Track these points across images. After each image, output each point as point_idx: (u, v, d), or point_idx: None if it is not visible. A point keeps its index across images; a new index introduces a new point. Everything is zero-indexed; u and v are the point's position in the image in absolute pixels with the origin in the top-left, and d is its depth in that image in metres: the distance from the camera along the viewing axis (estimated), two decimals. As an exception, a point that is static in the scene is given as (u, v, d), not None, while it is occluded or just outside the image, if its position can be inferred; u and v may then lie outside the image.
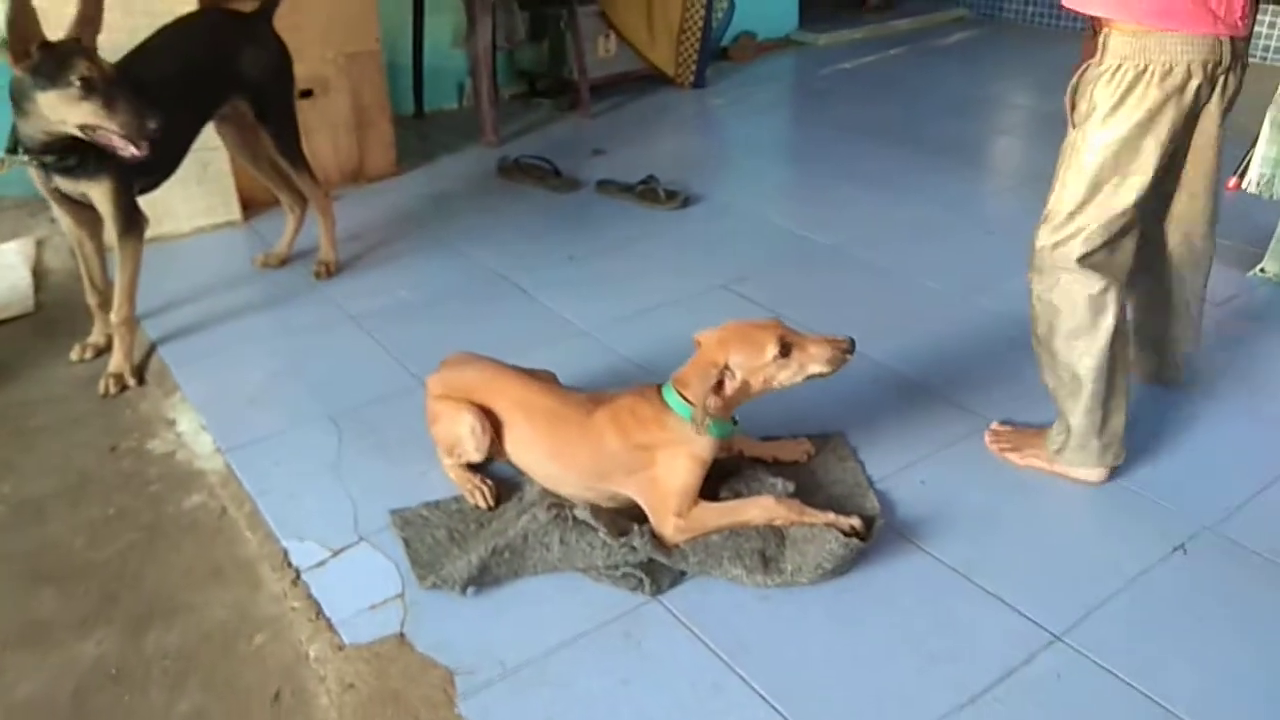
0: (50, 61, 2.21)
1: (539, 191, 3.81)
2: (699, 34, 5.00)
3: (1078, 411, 2.00)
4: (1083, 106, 1.85)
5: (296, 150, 3.04)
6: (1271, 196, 2.87)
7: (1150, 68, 1.75)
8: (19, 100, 2.26)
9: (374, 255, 3.30)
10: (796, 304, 2.80)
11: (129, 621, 1.82)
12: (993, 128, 4.69)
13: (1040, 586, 1.82)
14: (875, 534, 1.89)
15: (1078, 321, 1.93)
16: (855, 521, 1.88)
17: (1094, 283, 1.90)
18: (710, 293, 2.97)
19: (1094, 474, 2.07)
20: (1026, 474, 2.13)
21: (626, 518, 1.92)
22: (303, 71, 3.27)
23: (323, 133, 3.71)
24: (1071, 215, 1.89)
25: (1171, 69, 1.74)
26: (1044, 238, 1.93)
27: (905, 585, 1.83)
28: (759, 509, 1.90)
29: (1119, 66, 1.77)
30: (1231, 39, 1.75)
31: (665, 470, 1.87)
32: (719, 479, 2.01)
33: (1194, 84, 1.76)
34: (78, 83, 2.21)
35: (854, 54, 5.86)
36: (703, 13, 4.95)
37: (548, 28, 4.79)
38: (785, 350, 1.82)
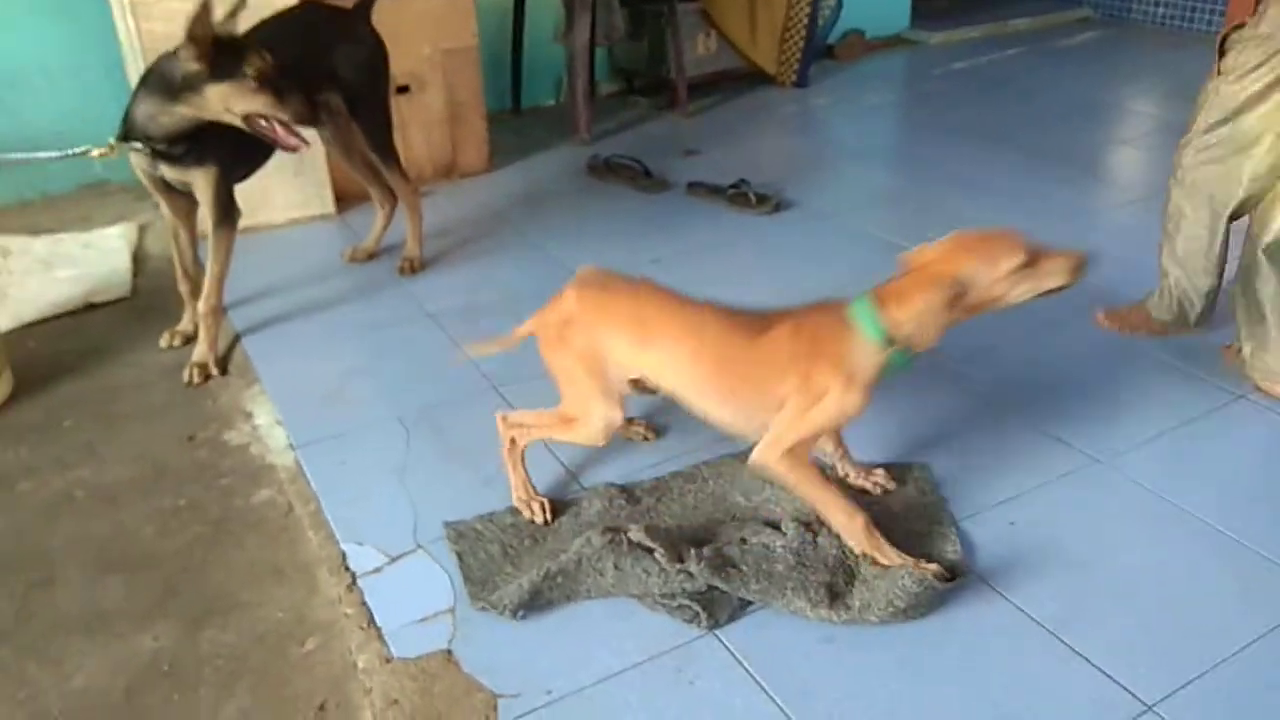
0: (225, 56, 2.32)
1: (628, 191, 3.75)
2: (804, 31, 4.86)
3: None
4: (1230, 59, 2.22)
5: (388, 146, 3.05)
6: None
7: None
8: (180, 91, 2.33)
9: (459, 252, 3.29)
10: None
11: (187, 617, 1.83)
12: (1114, 136, 4.41)
13: (1136, 648, 1.66)
14: (956, 580, 1.76)
15: None
16: (934, 568, 1.75)
17: None
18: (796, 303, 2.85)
19: None
20: (1128, 521, 1.96)
21: (686, 540, 1.83)
22: (399, 67, 3.28)
23: (417, 128, 3.72)
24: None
25: None
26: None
27: (984, 637, 1.69)
28: (845, 514, 1.79)
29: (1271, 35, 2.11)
30: None
31: (813, 403, 1.73)
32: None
33: None
34: (252, 75, 2.33)
35: (969, 54, 5.61)
36: (809, 9, 4.81)
37: (647, 24, 4.71)
38: (1031, 261, 1.66)
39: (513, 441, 2.01)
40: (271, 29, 2.74)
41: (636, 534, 1.80)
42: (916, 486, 2.06)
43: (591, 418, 1.88)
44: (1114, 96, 4.87)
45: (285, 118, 2.41)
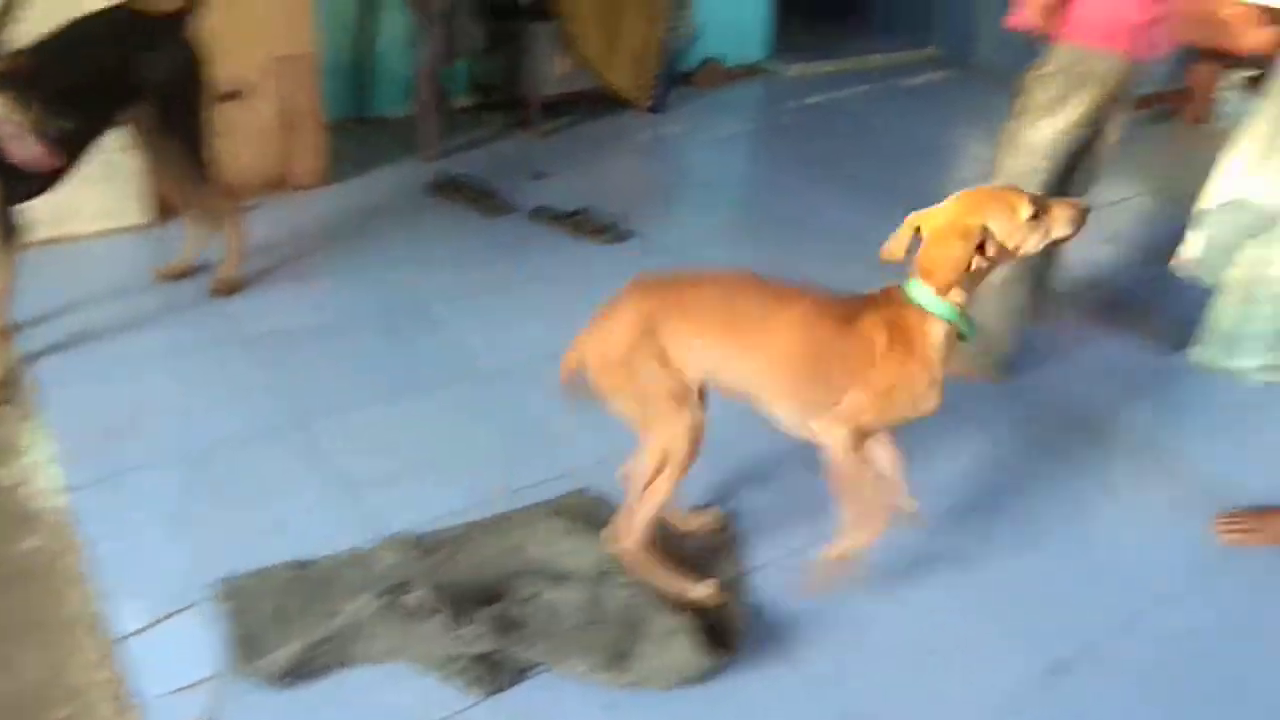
0: None
1: (470, 213, 3.68)
2: (661, 57, 4.88)
3: None
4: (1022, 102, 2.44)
5: (203, 161, 2.87)
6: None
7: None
8: None
9: (283, 272, 3.15)
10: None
11: (-80, 684, 1.67)
12: (951, 178, 4.59)
13: (913, 708, 1.70)
14: (736, 641, 1.77)
15: None
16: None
17: None
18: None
19: None
20: (913, 577, 2.01)
21: (475, 599, 1.79)
22: (228, 73, 3.11)
23: (245, 138, 3.54)
24: None
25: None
26: None
27: (766, 700, 1.71)
28: (870, 520, 1.80)
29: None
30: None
31: (896, 389, 1.70)
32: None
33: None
34: None
35: (823, 88, 5.74)
36: (665, 36, 4.83)
37: (505, 40, 4.65)
38: (1038, 211, 1.67)
39: (640, 554, 1.85)
40: (73, 34, 2.55)
41: (418, 595, 1.74)
42: (713, 538, 2.07)
43: (679, 437, 1.74)
44: (953, 138, 5.08)
45: (21, 124, 2.20)
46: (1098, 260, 3.54)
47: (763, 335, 1.73)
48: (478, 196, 3.72)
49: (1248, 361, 2.72)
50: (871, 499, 1.81)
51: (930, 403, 1.73)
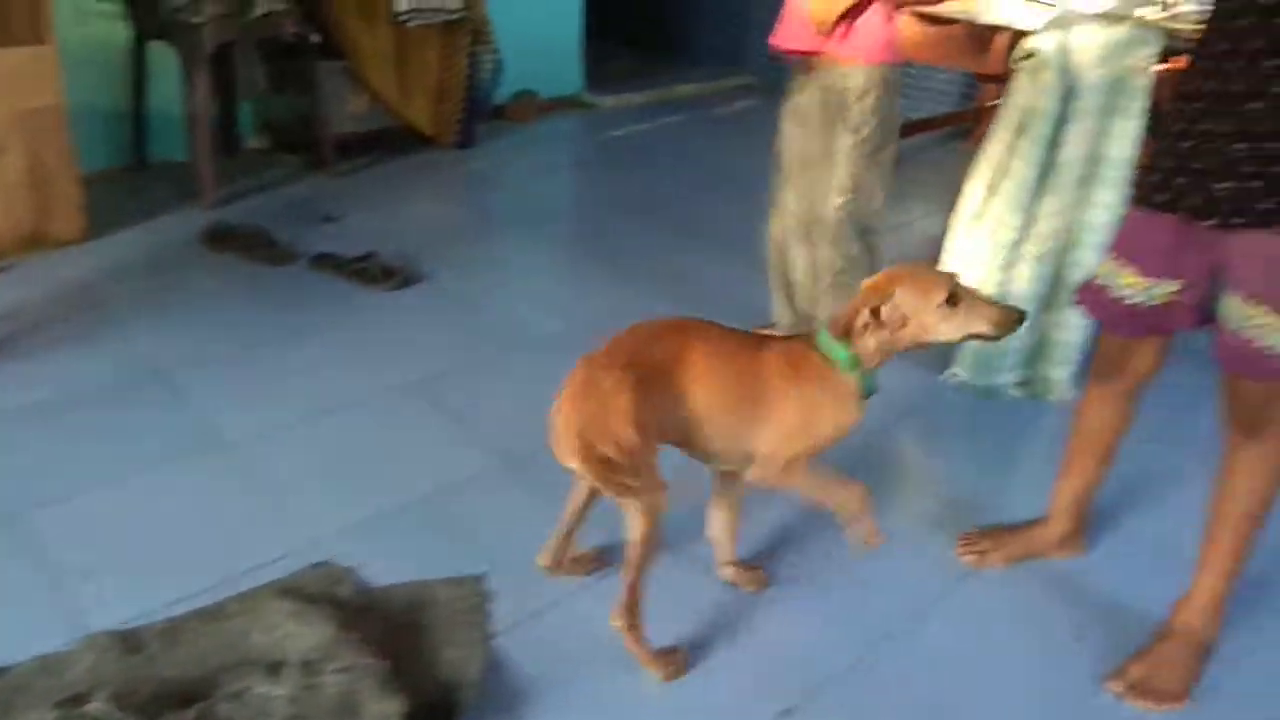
0: None
1: (246, 264, 3.50)
2: (463, 91, 4.80)
3: None
4: None
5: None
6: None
7: None
8: None
9: (28, 340, 2.90)
10: (492, 406, 2.65)
11: None
12: (758, 209, 4.65)
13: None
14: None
15: None
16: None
17: None
18: (398, 393, 2.73)
19: None
20: (664, 628, 1.97)
21: (175, 701, 1.65)
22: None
23: (-10, 195, 3.29)
24: None
25: None
26: None
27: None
28: (845, 492, 1.87)
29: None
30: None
31: (806, 424, 1.78)
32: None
33: None
34: None
35: (637, 118, 5.78)
36: (466, 69, 4.76)
37: (293, 79, 4.48)
38: (954, 299, 1.74)
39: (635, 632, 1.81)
40: None
41: (100, 705, 1.59)
42: (467, 602, 1.99)
43: (659, 506, 1.72)
44: (763, 165, 5.14)
45: None
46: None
47: (683, 380, 1.76)
48: (255, 245, 3.55)
49: (1000, 379, 2.83)
50: (830, 485, 1.88)
51: (852, 420, 1.82)
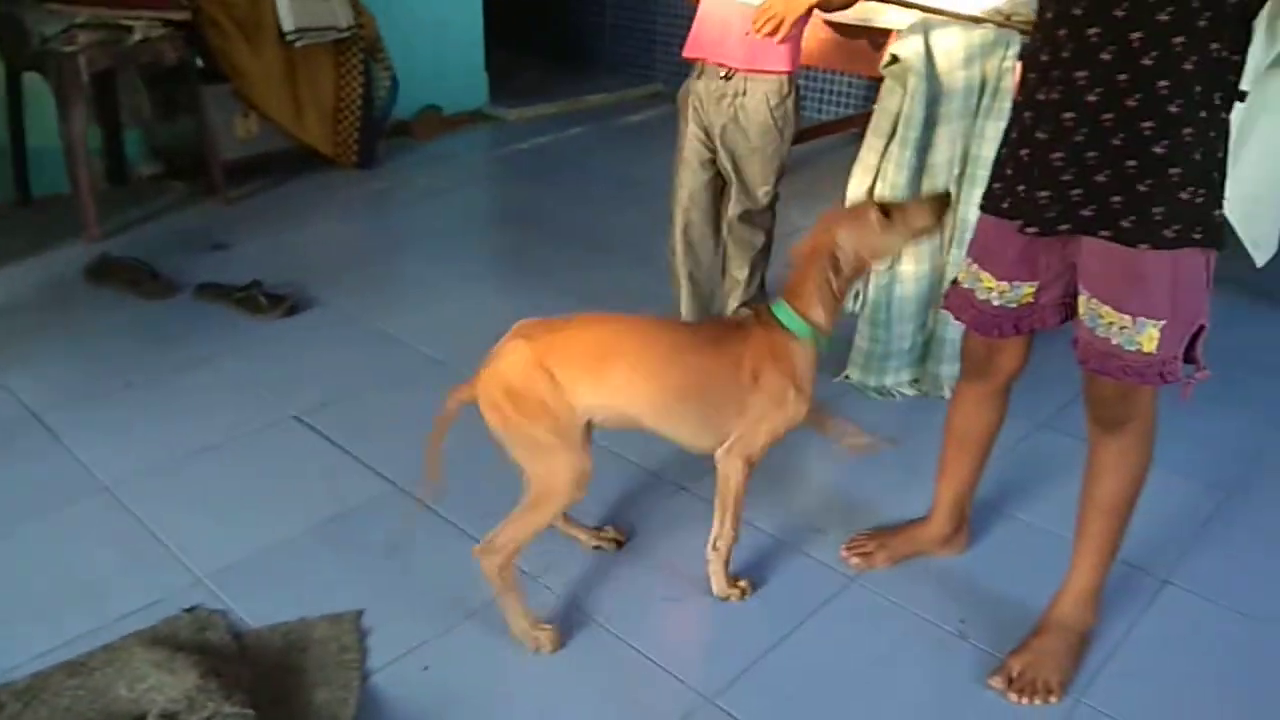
0: None
1: (129, 298, 3.38)
2: (358, 110, 4.72)
3: None
4: None
5: None
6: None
7: None
8: None
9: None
10: (379, 433, 2.59)
11: None
12: (664, 217, 4.64)
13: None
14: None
15: None
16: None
17: None
18: (279, 426, 2.66)
19: None
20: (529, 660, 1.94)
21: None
22: None
23: None
24: None
25: None
26: None
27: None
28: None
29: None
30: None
31: (771, 410, 1.86)
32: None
33: None
34: None
35: (543, 130, 5.75)
36: (360, 88, 4.68)
37: (181, 104, 4.36)
38: (885, 212, 1.83)
39: (501, 570, 1.85)
40: None
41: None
42: (339, 642, 1.93)
43: (559, 477, 1.80)
44: (664, 177, 5.17)
45: None
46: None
47: (634, 361, 1.83)
48: (138, 278, 3.43)
49: (892, 378, 2.86)
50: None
51: (800, 416, 1.90)
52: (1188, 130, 1.53)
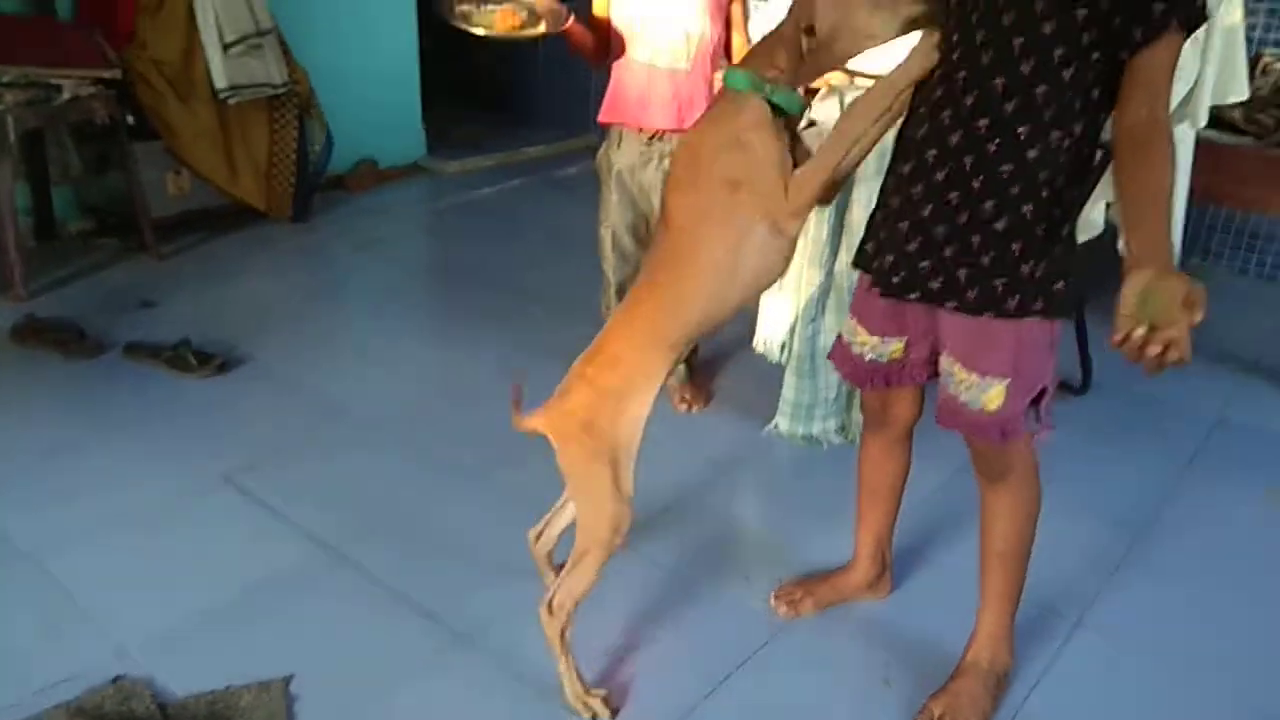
0: None
1: (54, 359, 3.33)
2: (293, 166, 4.73)
3: None
4: None
5: None
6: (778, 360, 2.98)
7: None
8: None
9: None
10: (308, 494, 2.58)
11: None
12: (589, 272, 4.71)
13: None
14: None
15: None
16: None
17: None
18: (207, 487, 2.64)
19: None
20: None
21: None
22: None
23: None
24: None
25: None
26: None
27: None
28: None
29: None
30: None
31: (758, 158, 1.70)
32: None
33: None
34: None
35: (478, 184, 5.80)
36: (295, 144, 4.70)
37: (114, 161, 4.33)
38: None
39: (562, 632, 1.84)
40: None
41: None
42: (267, 709, 1.92)
43: (604, 525, 1.78)
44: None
45: None
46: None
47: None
48: (64, 339, 3.38)
49: (819, 426, 2.94)
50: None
51: (773, 149, 1.70)
52: (1027, 208, 1.63)
